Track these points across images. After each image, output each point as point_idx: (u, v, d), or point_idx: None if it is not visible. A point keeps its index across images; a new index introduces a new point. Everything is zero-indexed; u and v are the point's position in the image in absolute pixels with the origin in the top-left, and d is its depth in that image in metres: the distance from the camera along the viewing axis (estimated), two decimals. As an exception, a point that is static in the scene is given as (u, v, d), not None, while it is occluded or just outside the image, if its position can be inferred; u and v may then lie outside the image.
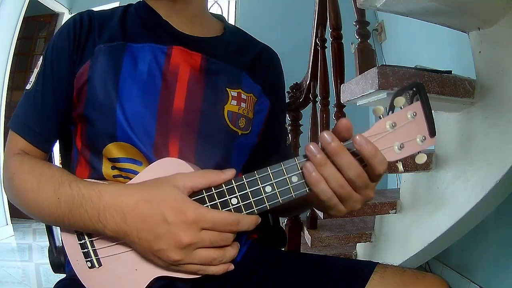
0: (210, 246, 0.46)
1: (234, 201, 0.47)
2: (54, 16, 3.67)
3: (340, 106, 1.43)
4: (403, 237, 1.28)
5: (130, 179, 0.55)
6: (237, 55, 0.67)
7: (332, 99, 1.49)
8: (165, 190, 0.46)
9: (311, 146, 0.43)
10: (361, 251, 1.56)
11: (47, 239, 0.73)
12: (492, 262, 1.49)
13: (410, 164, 1.11)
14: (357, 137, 0.42)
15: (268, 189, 0.46)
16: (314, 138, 1.74)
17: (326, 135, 0.42)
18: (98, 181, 0.53)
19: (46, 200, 0.50)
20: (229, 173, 0.48)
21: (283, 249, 0.84)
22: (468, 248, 1.61)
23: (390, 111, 0.45)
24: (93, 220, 0.46)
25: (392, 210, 1.31)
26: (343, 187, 0.44)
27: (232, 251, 0.48)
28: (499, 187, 0.90)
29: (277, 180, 0.46)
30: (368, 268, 0.59)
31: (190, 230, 0.44)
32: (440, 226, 1.08)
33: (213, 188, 0.47)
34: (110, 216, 0.46)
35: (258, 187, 0.46)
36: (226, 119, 0.61)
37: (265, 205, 0.46)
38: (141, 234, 0.45)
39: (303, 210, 1.31)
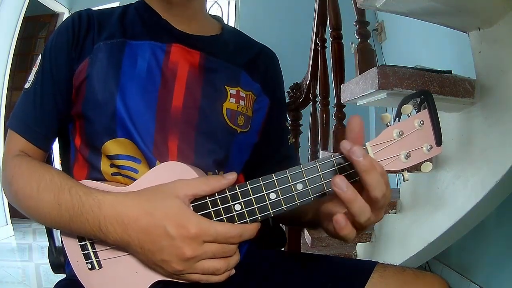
0: (213, 257, 0.45)
1: (237, 207, 0.46)
2: (54, 16, 3.67)
3: (340, 106, 1.43)
4: (403, 237, 1.27)
5: (129, 177, 0.55)
6: (235, 54, 0.67)
7: (332, 99, 1.49)
8: (167, 201, 0.45)
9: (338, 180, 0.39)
10: (361, 251, 1.55)
11: (47, 239, 0.73)
12: (492, 262, 1.49)
13: (410, 164, 1.11)
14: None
15: (273, 196, 0.45)
16: (314, 138, 1.74)
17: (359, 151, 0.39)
18: (98, 185, 0.52)
19: (46, 206, 0.49)
20: (231, 177, 0.47)
21: (283, 249, 0.84)
22: (468, 248, 1.61)
23: (397, 119, 0.45)
24: (95, 229, 0.46)
25: (392, 210, 1.31)
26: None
27: (235, 259, 0.47)
28: (499, 187, 0.90)
29: (282, 187, 0.45)
30: (368, 267, 0.59)
31: (192, 244, 0.44)
32: (440, 226, 1.08)
33: (216, 193, 0.46)
34: (111, 226, 0.45)
35: (262, 193, 0.45)
36: (225, 116, 0.61)
37: (268, 212, 0.46)
38: (144, 244, 0.45)
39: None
